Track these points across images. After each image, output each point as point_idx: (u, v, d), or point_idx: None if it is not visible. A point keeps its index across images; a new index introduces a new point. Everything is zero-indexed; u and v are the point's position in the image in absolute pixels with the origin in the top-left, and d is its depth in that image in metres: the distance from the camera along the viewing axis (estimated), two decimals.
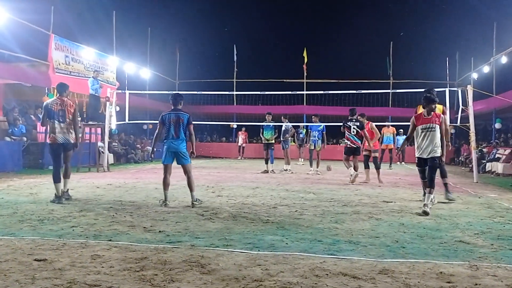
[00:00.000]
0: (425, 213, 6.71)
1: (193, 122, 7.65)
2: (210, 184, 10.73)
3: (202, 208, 6.99)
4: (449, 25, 31.86)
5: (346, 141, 12.02)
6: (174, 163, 7.58)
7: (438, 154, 7.18)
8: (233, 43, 29.27)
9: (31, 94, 16.68)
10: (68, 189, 7.89)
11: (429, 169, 7.17)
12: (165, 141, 7.56)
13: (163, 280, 3.52)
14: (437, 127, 7.18)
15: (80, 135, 8.31)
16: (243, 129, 25.56)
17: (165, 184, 7.51)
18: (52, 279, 3.49)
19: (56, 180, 7.61)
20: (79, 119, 8.89)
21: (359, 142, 11.62)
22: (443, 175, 8.62)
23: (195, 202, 7.29)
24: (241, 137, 25.40)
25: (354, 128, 11.58)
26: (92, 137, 15.46)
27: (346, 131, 11.76)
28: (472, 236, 5.33)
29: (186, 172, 7.53)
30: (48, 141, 9.06)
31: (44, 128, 15.06)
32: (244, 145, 25.46)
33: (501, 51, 19.58)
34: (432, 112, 7.28)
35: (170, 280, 3.52)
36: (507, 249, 4.73)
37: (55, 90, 10.00)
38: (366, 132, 11.55)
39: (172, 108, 7.65)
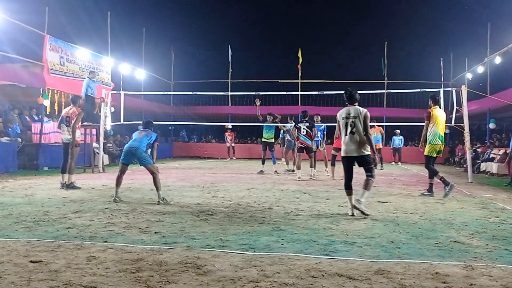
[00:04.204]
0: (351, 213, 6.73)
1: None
2: (205, 184, 10.72)
3: (198, 209, 6.99)
4: (443, 25, 32.08)
5: (297, 141, 12.93)
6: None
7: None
8: (228, 43, 29.28)
9: (25, 95, 16.59)
10: (65, 182, 9.44)
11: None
12: (126, 144, 8.20)
13: (159, 281, 3.52)
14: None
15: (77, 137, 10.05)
16: (229, 129, 25.45)
17: (118, 182, 7.99)
18: (47, 281, 3.48)
19: (62, 171, 9.67)
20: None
21: (309, 142, 12.51)
22: None
23: (161, 201, 7.56)
24: (229, 138, 25.32)
25: (304, 129, 12.51)
26: (87, 138, 15.40)
27: (296, 132, 12.66)
28: (467, 236, 5.35)
29: (151, 172, 7.88)
30: None
31: (39, 129, 15.10)
32: (232, 145, 25.37)
33: (495, 51, 19.65)
34: None
35: (166, 282, 3.52)
36: (502, 249, 4.76)
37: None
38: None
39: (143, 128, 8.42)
